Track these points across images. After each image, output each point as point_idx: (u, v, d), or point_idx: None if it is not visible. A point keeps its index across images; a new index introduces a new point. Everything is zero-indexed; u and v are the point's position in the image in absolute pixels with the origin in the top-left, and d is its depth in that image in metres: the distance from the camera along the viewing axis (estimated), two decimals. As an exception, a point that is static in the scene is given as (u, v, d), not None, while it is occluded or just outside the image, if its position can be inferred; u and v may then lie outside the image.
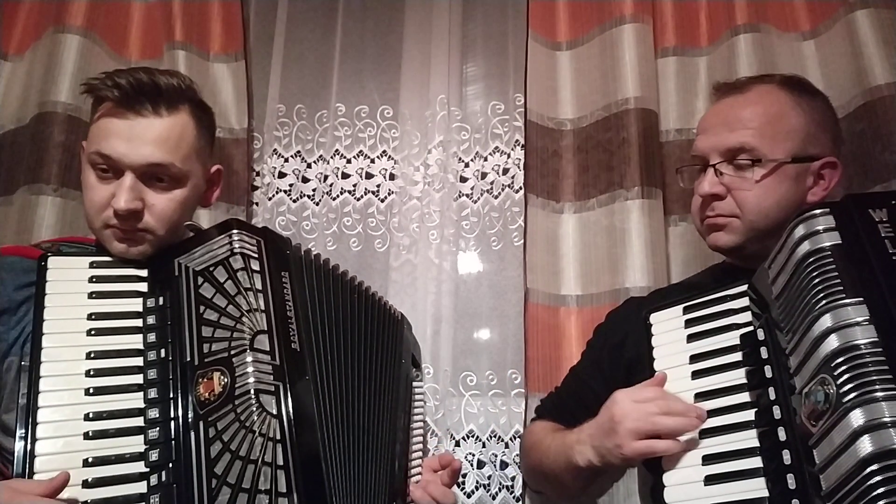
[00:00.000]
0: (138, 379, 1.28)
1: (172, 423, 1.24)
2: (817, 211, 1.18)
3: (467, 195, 2.31)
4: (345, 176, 2.37)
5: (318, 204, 2.34)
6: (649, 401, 1.27)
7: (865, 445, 0.96)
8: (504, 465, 2.09)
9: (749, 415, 1.20)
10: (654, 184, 2.01)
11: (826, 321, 1.07)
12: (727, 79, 1.66)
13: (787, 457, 1.11)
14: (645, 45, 2.11)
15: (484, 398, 2.15)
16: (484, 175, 2.32)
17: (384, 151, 2.39)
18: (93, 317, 1.31)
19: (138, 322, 1.33)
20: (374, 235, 2.33)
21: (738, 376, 1.24)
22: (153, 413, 1.25)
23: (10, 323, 1.35)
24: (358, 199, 2.36)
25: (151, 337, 1.32)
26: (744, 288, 1.32)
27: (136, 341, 1.32)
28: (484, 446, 2.11)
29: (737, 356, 1.26)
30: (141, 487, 1.19)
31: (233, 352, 1.25)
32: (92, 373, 1.26)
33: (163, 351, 1.30)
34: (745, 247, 1.47)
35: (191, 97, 1.45)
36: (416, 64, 2.41)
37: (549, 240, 2.10)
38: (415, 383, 1.62)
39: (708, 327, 1.33)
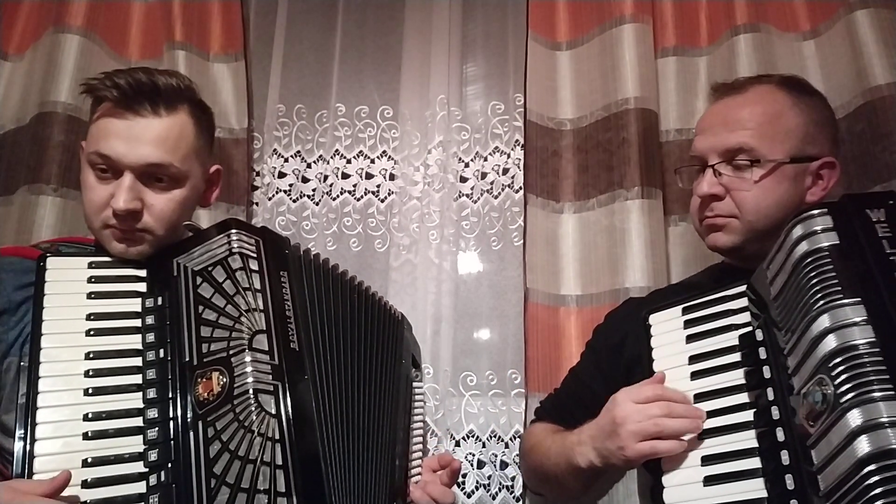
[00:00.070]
0: (137, 379, 1.28)
1: (171, 423, 1.24)
2: (815, 211, 1.18)
3: (467, 195, 2.31)
4: (345, 176, 2.37)
5: (317, 204, 2.34)
6: (650, 401, 1.26)
7: (863, 445, 0.96)
8: (504, 465, 2.09)
9: (748, 415, 1.20)
10: (653, 184, 2.01)
11: (824, 321, 1.07)
12: (726, 79, 1.66)
13: (785, 457, 1.11)
14: (645, 45, 2.11)
15: (484, 398, 2.15)
16: (484, 175, 2.32)
17: (384, 152, 2.39)
18: (92, 317, 1.31)
19: (137, 322, 1.33)
20: (374, 235, 2.33)
21: (737, 377, 1.24)
22: (152, 413, 1.25)
23: (10, 323, 1.35)
24: (358, 200, 2.36)
25: (150, 337, 1.32)
26: (742, 288, 1.32)
27: (134, 341, 1.31)
28: (484, 446, 2.11)
29: (735, 357, 1.26)
30: (140, 487, 1.19)
31: (231, 352, 1.25)
32: (91, 373, 1.26)
33: (162, 351, 1.30)
34: (744, 247, 1.47)
35: (190, 97, 1.44)
36: (416, 64, 2.41)
37: (548, 240, 2.10)
38: (415, 384, 1.61)
39: (707, 328, 1.33)
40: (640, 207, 1.98)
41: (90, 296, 1.34)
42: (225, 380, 1.23)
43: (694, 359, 1.31)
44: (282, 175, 2.38)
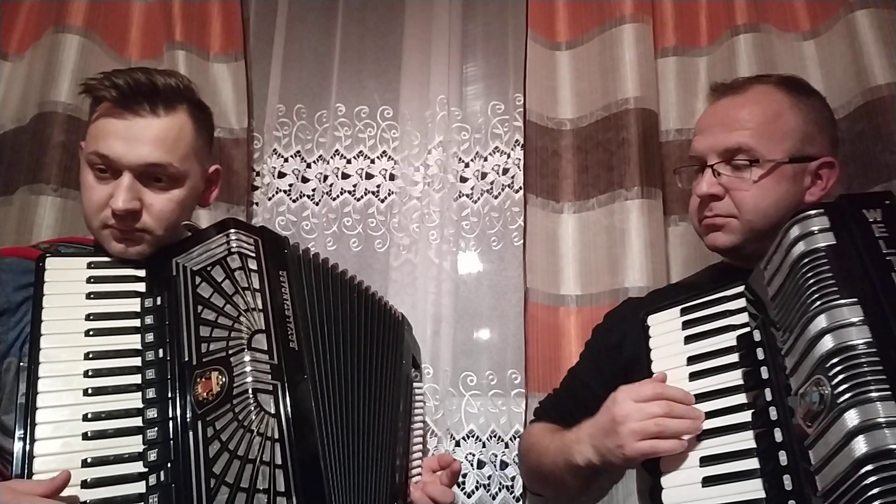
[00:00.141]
0: (137, 379, 1.28)
1: (171, 422, 1.24)
2: (812, 212, 1.18)
3: (467, 195, 2.31)
4: (345, 176, 2.37)
5: (317, 204, 2.35)
6: (651, 400, 1.26)
7: (860, 446, 0.96)
8: (504, 465, 2.09)
9: (746, 416, 1.20)
10: (653, 184, 2.01)
11: (821, 322, 1.07)
12: (726, 79, 1.65)
13: (783, 458, 1.11)
14: (645, 45, 2.11)
15: (484, 398, 2.15)
16: (484, 175, 2.32)
17: (384, 152, 2.39)
18: (91, 317, 1.31)
19: (136, 322, 1.33)
20: (374, 235, 2.33)
21: (735, 377, 1.24)
22: (151, 413, 1.25)
23: (9, 324, 1.35)
24: (358, 200, 2.36)
25: (149, 337, 1.32)
26: (740, 289, 1.32)
27: (134, 341, 1.32)
28: (484, 446, 2.11)
29: (734, 357, 1.26)
30: (140, 487, 1.19)
31: (231, 351, 1.25)
32: (90, 373, 1.26)
33: (161, 351, 1.30)
34: (743, 247, 1.47)
35: (188, 97, 1.44)
36: (416, 64, 2.41)
37: (548, 240, 2.10)
38: (415, 384, 1.62)
39: (705, 328, 1.33)
40: (639, 207, 1.98)
41: (89, 296, 1.34)
42: (224, 379, 1.23)
43: (692, 360, 1.31)
44: (282, 175, 2.38)
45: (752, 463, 1.15)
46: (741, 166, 1.46)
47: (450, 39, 2.38)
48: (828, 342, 1.05)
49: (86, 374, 1.26)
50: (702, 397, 1.26)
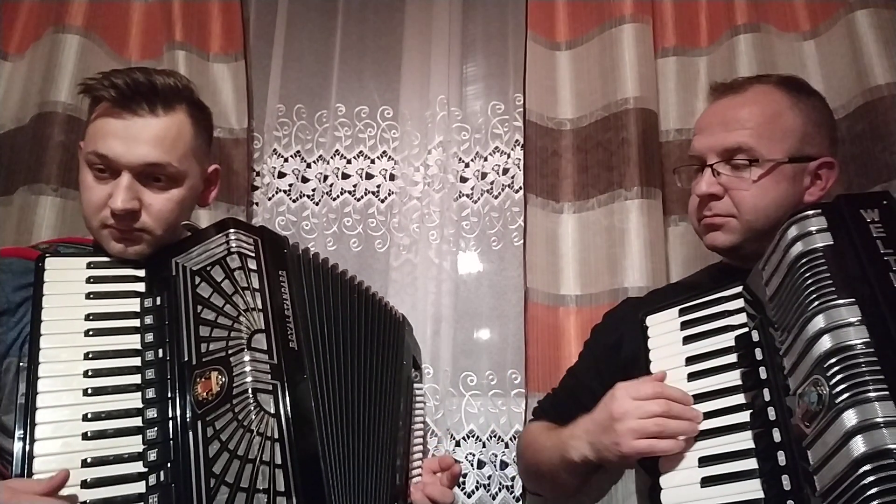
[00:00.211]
0: (136, 379, 1.28)
1: (171, 422, 1.24)
2: (810, 212, 1.18)
3: (467, 195, 2.31)
4: (345, 176, 2.37)
5: (317, 204, 2.35)
6: (650, 399, 1.26)
7: (858, 446, 0.96)
8: (504, 465, 2.09)
9: (744, 416, 1.20)
10: (653, 184, 2.01)
11: (819, 322, 1.07)
12: (726, 79, 1.65)
13: (782, 458, 1.11)
14: (645, 45, 2.11)
15: (484, 398, 2.15)
16: (484, 175, 2.32)
17: (384, 152, 2.39)
18: (91, 317, 1.31)
19: (136, 322, 1.33)
20: (375, 236, 2.33)
21: (734, 378, 1.24)
22: (151, 413, 1.25)
23: (9, 324, 1.35)
24: (358, 200, 2.36)
25: (149, 337, 1.32)
26: (739, 289, 1.32)
27: (133, 341, 1.32)
28: (484, 446, 2.11)
29: (732, 358, 1.26)
30: (139, 487, 1.20)
31: (230, 351, 1.25)
32: (90, 373, 1.26)
33: (160, 351, 1.30)
34: (742, 247, 1.47)
35: (187, 97, 1.44)
36: (416, 64, 2.41)
37: (548, 240, 2.10)
38: (415, 385, 1.62)
39: (703, 329, 1.33)
40: (639, 207, 1.98)
41: (89, 296, 1.34)
42: (224, 379, 1.23)
43: (691, 360, 1.31)
44: (282, 175, 2.38)
45: (751, 463, 1.15)
46: (741, 166, 1.46)
47: (450, 39, 2.38)
48: (826, 342, 1.05)
49: (85, 374, 1.26)
50: (700, 398, 1.26)
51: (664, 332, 1.38)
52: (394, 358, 1.58)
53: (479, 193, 2.31)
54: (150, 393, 1.27)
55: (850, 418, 0.98)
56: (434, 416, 2.08)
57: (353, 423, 1.39)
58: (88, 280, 1.35)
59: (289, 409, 1.23)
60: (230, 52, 2.33)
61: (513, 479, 2.07)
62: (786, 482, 1.09)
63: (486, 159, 2.33)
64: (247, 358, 1.24)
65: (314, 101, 2.45)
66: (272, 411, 1.21)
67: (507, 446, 2.10)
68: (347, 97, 2.44)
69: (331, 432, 1.32)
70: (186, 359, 1.27)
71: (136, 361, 1.30)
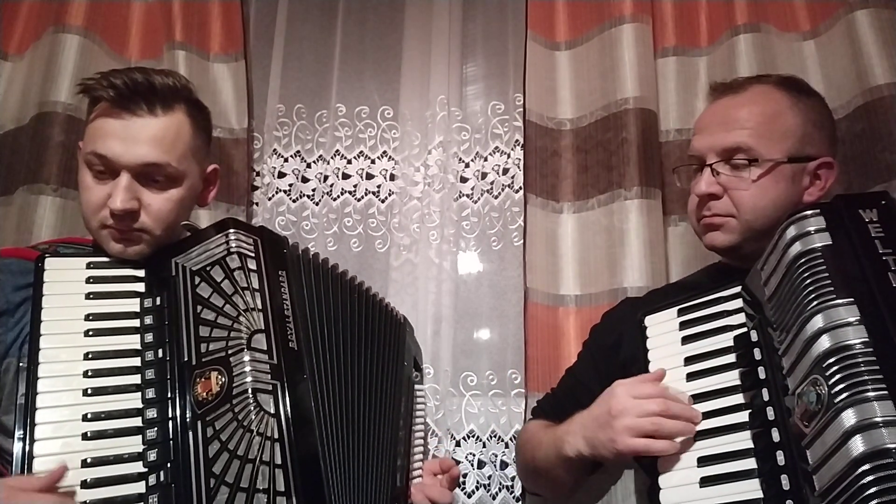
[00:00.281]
0: (136, 379, 1.28)
1: (170, 423, 1.24)
2: (808, 212, 1.18)
3: (467, 195, 2.31)
4: (345, 176, 2.37)
5: (317, 204, 2.35)
6: (649, 398, 1.26)
7: (857, 445, 0.97)
8: (504, 465, 2.09)
9: (743, 416, 1.20)
10: (653, 184, 2.01)
11: (817, 322, 1.07)
12: (726, 79, 1.66)
13: (780, 458, 1.11)
14: (644, 45, 2.11)
15: (484, 398, 2.15)
16: (484, 175, 2.32)
17: (384, 152, 2.39)
18: (90, 317, 1.31)
19: (136, 322, 1.34)
20: (375, 236, 2.33)
21: (733, 378, 1.24)
22: (151, 413, 1.25)
23: (9, 324, 1.35)
24: (358, 200, 2.36)
25: (149, 337, 1.32)
26: (737, 289, 1.32)
27: (133, 342, 1.32)
28: (484, 446, 2.11)
29: (731, 358, 1.26)
30: (139, 487, 1.20)
31: (230, 351, 1.25)
32: (90, 373, 1.26)
33: (160, 351, 1.30)
34: (741, 246, 1.47)
35: (186, 96, 1.44)
36: (416, 64, 2.41)
37: (548, 239, 2.10)
38: (416, 386, 1.62)
39: (702, 329, 1.33)
40: (639, 207, 1.98)
41: (89, 296, 1.34)
42: (224, 379, 1.23)
43: (689, 360, 1.31)
44: (282, 175, 2.38)
45: (750, 463, 1.16)
46: (740, 166, 1.46)
47: (450, 39, 2.38)
48: (825, 342, 1.06)
49: (85, 375, 1.26)
50: (699, 398, 1.26)
51: (663, 333, 1.39)
52: (394, 358, 1.58)
53: (479, 193, 2.31)
54: (150, 393, 1.27)
55: (849, 418, 0.99)
56: (434, 416, 2.08)
57: (354, 424, 1.39)
58: (88, 280, 1.35)
59: (289, 409, 1.23)
60: (230, 52, 2.33)
61: (513, 479, 2.07)
62: (785, 482, 1.09)
63: (486, 159, 2.33)
64: (247, 358, 1.24)
65: (314, 101, 2.45)
66: (272, 411, 1.21)
67: (507, 446, 2.10)
68: (347, 97, 2.44)
69: (331, 432, 1.32)
70: (186, 359, 1.27)
71: (136, 361, 1.30)
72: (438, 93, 2.34)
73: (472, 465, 2.09)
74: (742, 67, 1.97)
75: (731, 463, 1.17)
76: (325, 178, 2.36)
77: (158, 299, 1.35)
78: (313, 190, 2.37)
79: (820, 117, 1.51)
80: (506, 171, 2.30)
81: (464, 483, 2.07)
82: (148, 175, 1.38)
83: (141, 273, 1.40)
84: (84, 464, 1.19)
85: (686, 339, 1.34)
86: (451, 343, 2.16)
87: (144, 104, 1.37)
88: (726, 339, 1.29)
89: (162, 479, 1.20)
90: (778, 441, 1.12)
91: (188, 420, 1.23)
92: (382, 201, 2.35)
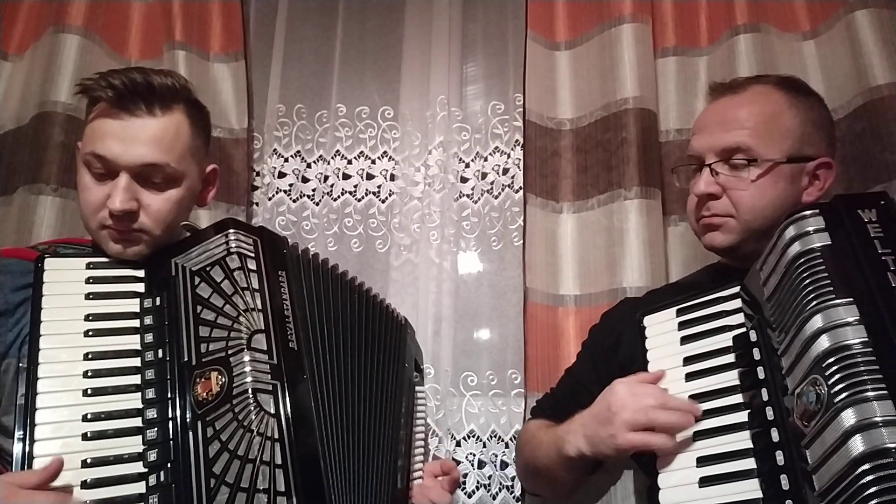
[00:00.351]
0: (136, 379, 1.28)
1: (171, 423, 1.24)
2: (807, 212, 1.18)
3: (468, 195, 2.31)
4: (346, 176, 2.37)
5: (318, 204, 2.35)
6: (648, 395, 1.27)
7: (857, 445, 0.97)
8: (504, 465, 2.09)
9: (742, 416, 1.20)
10: (653, 184, 2.01)
11: (817, 322, 1.08)
12: (725, 79, 1.66)
13: (780, 458, 1.11)
14: (644, 45, 2.11)
15: (484, 398, 2.15)
16: (484, 175, 2.32)
17: (385, 152, 2.39)
18: (90, 318, 1.31)
19: (135, 322, 1.33)
20: (375, 236, 2.33)
21: (732, 378, 1.24)
22: (151, 413, 1.25)
23: (8, 325, 1.35)
24: (359, 200, 2.36)
25: (149, 337, 1.32)
26: (736, 289, 1.32)
27: (133, 342, 1.32)
28: (484, 446, 2.11)
29: (730, 358, 1.26)
30: (140, 488, 1.20)
31: (230, 351, 1.25)
32: (90, 374, 1.26)
33: (160, 351, 1.30)
34: (740, 247, 1.47)
35: (185, 96, 1.44)
36: (417, 64, 2.41)
37: (548, 239, 2.10)
38: (417, 387, 1.62)
39: (701, 329, 1.33)
40: (639, 207, 1.98)
41: (88, 296, 1.34)
42: (224, 379, 1.23)
43: (688, 360, 1.31)
44: (282, 175, 2.38)
45: (749, 463, 1.16)
46: (739, 166, 1.46)
47: (450, 39, 2.38)
48: (824, 342, 1.06)
49: (85, 375, 1.26)
50: (698, 398, 1.26)
51: (662, 333, 1.39)
52: (395, 359, 1.58)
53: (480, 193, 2.31)
54: (150, 393, 1.27)
55: (848, 418, 0.99)
56: (435, 416, 2.08)
57: (354, 424, 1.39)
58: (88, 280, 1.35)
59: (289, 409, 1.23)
60: (230, 51, 2.33)
61: (513, 479, 2.07)
62: (784, 482, 1.09)
63: (486, 159, 2.33)
64: (247, 358, 1.24)
65: (314, 101, 2.45)
66: (272, 411, 1.21)
67: (507, 446, 2.10)
68: (348, 97, 2.44)
69: (331, 432, 1.33)
70: (186, 359, 1.27)
71: (136, 362, 1.30)
72: (438, 93, 2.34)
73: (473, 464, 2.09)
74: (742, 67, 1.97)
75: (730, 463, 1.17)
76: (326, 178, 2.36)
77: (158, 299, 1.35)
78: (313, 190, 2.37)
79: (819, 117, 1.51)
80: (506, 171, 2.30)
81: (464, 483, 2.07)
82: (147, 175, 1.38)
83: (141, 273, 1.39)
84: (84, 464, 1.19)
85: (685, 340, 1.34)
86: (451, 343, 2.16)
87: (143, 104, 1.37)
88: (725, 339, 1.29)
89: (162, 479, 1.20)
90: (777, 441, 1.12)
91: (188, 420, 1.23)
92: (383, 201, 2.35)
